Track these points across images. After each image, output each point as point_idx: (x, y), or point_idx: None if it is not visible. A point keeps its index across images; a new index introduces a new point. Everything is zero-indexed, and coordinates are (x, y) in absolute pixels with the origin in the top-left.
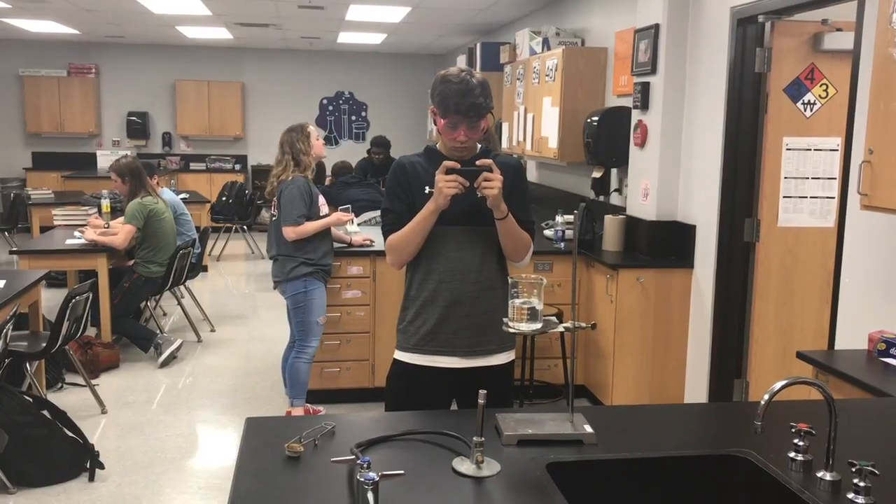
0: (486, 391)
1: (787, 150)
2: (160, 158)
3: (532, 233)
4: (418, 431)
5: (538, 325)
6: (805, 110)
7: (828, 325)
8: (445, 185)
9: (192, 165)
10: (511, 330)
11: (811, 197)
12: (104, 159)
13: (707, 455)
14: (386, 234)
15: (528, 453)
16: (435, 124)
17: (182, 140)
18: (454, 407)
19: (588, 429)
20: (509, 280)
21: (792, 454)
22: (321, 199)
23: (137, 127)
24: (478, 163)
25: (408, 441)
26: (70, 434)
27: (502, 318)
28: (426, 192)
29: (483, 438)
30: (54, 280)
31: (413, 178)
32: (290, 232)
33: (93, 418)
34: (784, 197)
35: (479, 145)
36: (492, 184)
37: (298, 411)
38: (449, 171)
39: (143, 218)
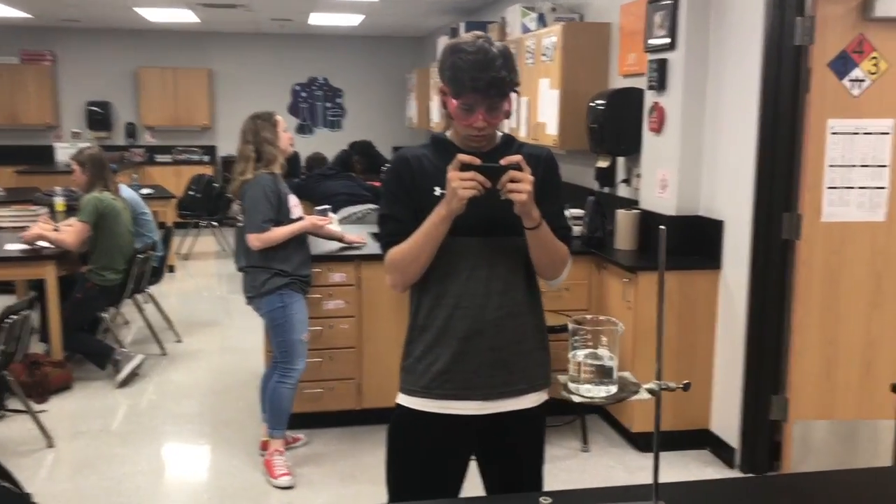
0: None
1: (833, 133)
2: (124, 150)
3: (569, 242)
4: None
5: (612, 390)
6: (852, 88)
7: (879, 333)
8: (461, 184)
9: (158, 157)
10: (575, 398)
11: (859, 187)
12: (63, 152)
13: None
14: (385, 248)
15: None
16: (444, 107)
17: (147, 131)
18: (472, 462)
19: None
20: (569, 326)
21: None
22: (293, 200)
23: (98, 117)
24: (503, 161)
25: None
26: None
27: (536, 353)
28: (436, 193)
29: None
30: (5, 288)
31: (419, 175)
32: (254, 240)
33: (37, 454)
34: (829, 188)
35: (500, 133)
36: (521, 186)
37: (278, 444)
38: (465, 168)
39: (99, 214)
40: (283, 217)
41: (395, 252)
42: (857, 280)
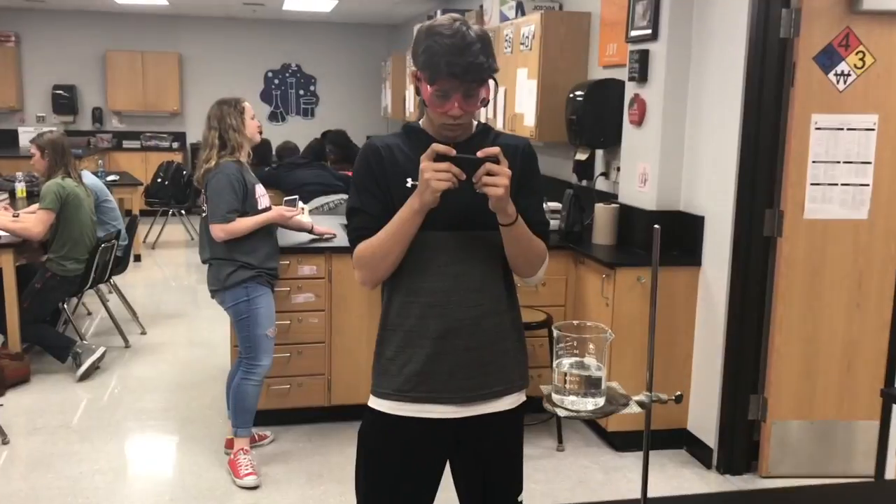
0: None
1: (817, 129)
2: (90, 136)
3: (547, 238)
4: None
5: (599, 402)
6: (838, 83)
7: (860, 333)
8: (434, 175)
9: (126, 143)
10: (560, 412)
11: (842, 184)
12: (27, 136)
13: None
14: (354, 242)
15: None
16: (418, 93)
17: (114, 116)
18: (447, 469)
19: None
20: (554, 333)
21: None
22: (260, 190)
23: (64, 101)
24: (480, 153)
25: None
26: None
27: (514, 352)
28: (408, 185)
29: None
30: None
31: (390, 165)
32: (218, 231)
33: None
34: (812, 184)
35: (476, 122)
36: (497, 180)
37: (243, 442)
38: (439, 158)
39: (61, 201)
40: (248, 207)
41: (365, 247)
42: (838, 278)
